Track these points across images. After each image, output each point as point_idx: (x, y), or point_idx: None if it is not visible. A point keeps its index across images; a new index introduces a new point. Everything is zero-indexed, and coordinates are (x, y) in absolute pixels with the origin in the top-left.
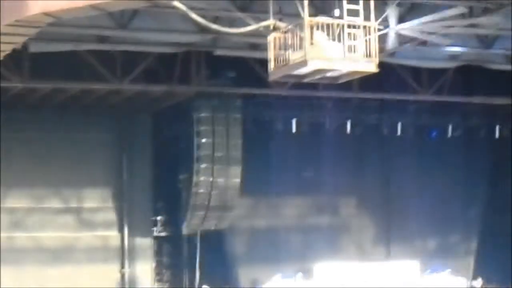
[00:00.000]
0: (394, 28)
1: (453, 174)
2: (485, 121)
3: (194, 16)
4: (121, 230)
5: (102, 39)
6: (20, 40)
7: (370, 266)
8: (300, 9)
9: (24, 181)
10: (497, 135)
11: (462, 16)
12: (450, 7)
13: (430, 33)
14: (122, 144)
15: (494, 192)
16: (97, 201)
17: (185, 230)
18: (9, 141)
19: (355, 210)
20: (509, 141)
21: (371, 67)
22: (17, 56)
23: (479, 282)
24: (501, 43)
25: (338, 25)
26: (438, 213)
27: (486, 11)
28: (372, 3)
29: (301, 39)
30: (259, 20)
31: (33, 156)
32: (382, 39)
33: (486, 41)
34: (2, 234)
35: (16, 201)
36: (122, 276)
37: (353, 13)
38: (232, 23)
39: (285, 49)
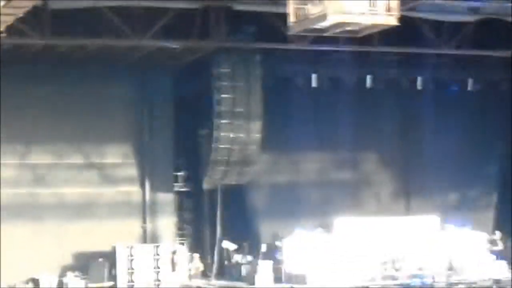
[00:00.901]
0: None
1: (473, 129)
2: (505, 75)
3: None
4: (142, 186)
5: None
6: None
7: (390, 221)
8: None
9: (45, 137)
10: None
11: None
12: None
13: None
14: (143, 100)
15: None
16: (118, 157)
17: (206, 185)
18: (30, 97)
19: (375, 165)
20: None
21: (391, 20)
22: (38, 13)
23: (498, 235)
24: None
25: None
26: (457, 167)
27: None
28: None
29: None
30: None
31: (54, 112)
32: None
33: None
34: (24, 190)
35: (38, 157)
36: (144, 231)
37: None
38: None
39: (305, 3)
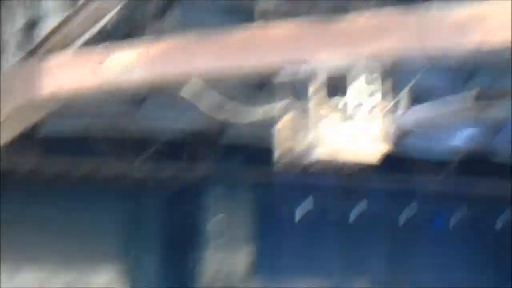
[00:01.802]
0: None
1: (460, 262)
2: (492, 211)
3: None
4: None
5: (111, 127)
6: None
7: None
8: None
9: (30, 263)
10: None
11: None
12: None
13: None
14: (131, 227)
15: (502, 281)
16: (103, 284)
17: None
18: (12, 222)
19: None
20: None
21: (376, 159)
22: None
23: None
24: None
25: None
26: None
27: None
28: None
29: (308, 125)
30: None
31: (43, 235)
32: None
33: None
34: None
35: (26, 280)
36: None
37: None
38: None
39: (293, 137)
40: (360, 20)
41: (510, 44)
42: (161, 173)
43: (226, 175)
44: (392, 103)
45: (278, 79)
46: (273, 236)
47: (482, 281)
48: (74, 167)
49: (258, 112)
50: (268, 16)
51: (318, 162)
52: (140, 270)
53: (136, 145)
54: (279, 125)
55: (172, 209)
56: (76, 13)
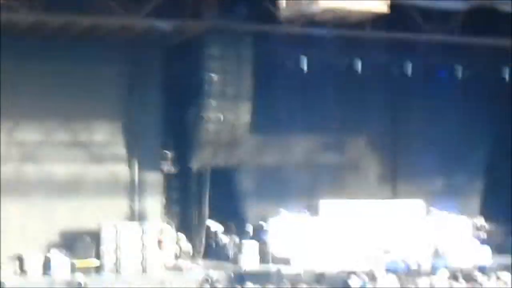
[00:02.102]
0: None
1: (461, 115)
2: (495, 63)
3: None
4: (130, 165)
5: None
6: None
7: (375, 204)
8: None
9: (34, 115)
10: (506, 77)
11: None
12: None
13: None
14: (133, 79)
15: (501, 133)
16: (107, 135)
17: (194, 166)
18: (18, 74)
19: (363, 149)
20: None
21: (382, 7)
22: None
23: (480, 220)
24: None
25: None
26: (445, 153)
27: None
28: None
29: None
30: None
31: (43, 89)
32: None
33: None
34: (12, 167)
35: (26, 134)
36: (131, 210)
37: None
38: None
39: None
40: None
41: None
42: (163, 26)
43: (229, 28)
44: None
45: None
46: (275, 89)
47: (483, 130)
48: (74, 22)
49: None
50: None
51: (324, 11)
52: (141, 124)
53: None
54: None
55: (175, 62)
56: None
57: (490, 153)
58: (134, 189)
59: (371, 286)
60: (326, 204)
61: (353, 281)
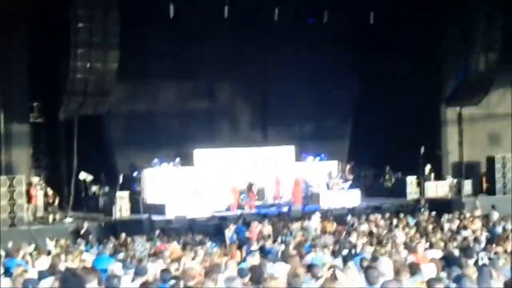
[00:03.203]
0: None
1: (329, 59)
2: (361, 6)
3: None
4: None
5: None
6: None
7: (247, 151)
8: None
9: None
10: (371, 20)
11: None
12: None
13: None
14: None
15: (368, 78)
16: None
17: (62, 116)
18: None
19: (233, 95)
20: (383, 26)
21: None
22: None
23: (350, 164)
24: None
25: None
26: (314, 98)
27: None
28: None
29: None
30: None
31: None
32: None
33: None
34: None
35: None
36: None
37: None
38: None
39: None
40: None
41: None
42: None
43: None
44: None
45: None
46: (144, 36)
47: (353, 72)
48: None
49: None
50: None
51: None
52: (7, 73)
53: None
54: None
55: (40, 11)
56: None
57: (357, 97)
58: (0, 141)
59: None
60: (199, 152)
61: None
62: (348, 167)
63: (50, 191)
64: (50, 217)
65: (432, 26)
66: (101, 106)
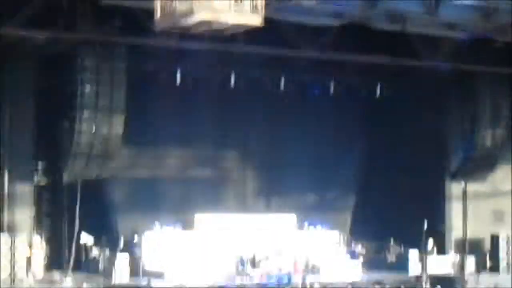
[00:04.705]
0: None
1: (333, 131)
2: (365, 80)
3: None
4: (0, 177)
5: None
6: None
7: (249, 218)
8: None
9: None
10: (377, 93)
11: None
12: None
13: None
14: (3, 89)
15: (372, 150)
16: None
17: (66, 178)
18: None
19: (237, 163)
20: (389, 100)
21: (257, 21)
22: None
23: (352, 236)
24: (385, 2)
25: None
26: (317, 169)
27: None
28: None
29: None
30: None
31: None
32: None
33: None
34: None
35: None
36: (0, 222)
37: None
38: None
39: None
40: None
41: None
42: (36, 36)
43: (102, 40)
44: None
45: None
46: (149, 102)
47: (355, 147)
48: None
49: None
50: None
51: (199, 24)
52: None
53: (10, 3)
54: None
55: (48, 73)
56: None
57: (361, 170)
58: (3, 200)
59: None
60: (201, 218)
61: None
62: (350, 238)
63: (51, 252)
64: (51, 278)
65: (439, 100)
66: (105, 170)
